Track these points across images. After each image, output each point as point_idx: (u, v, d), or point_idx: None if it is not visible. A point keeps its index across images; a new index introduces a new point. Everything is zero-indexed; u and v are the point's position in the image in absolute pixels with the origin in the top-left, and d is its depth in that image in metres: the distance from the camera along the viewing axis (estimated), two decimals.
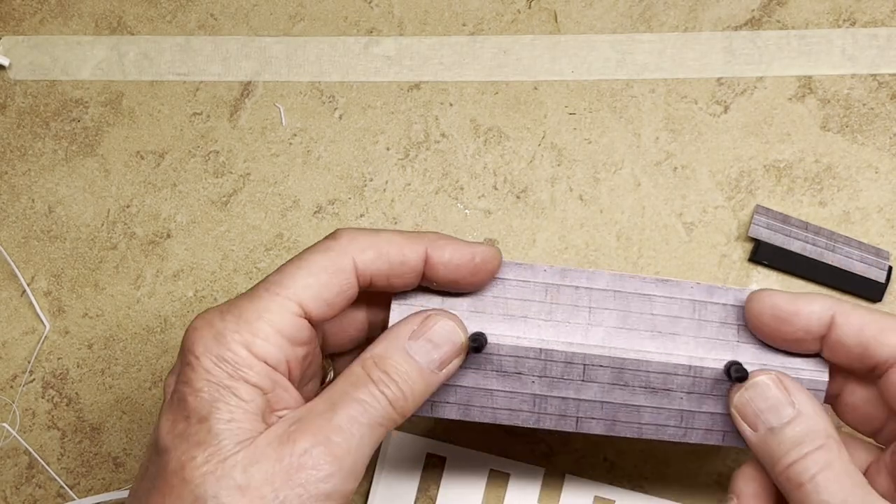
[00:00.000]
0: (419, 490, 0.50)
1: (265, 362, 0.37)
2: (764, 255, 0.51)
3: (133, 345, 0.53)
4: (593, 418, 0.41)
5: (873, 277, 0.51)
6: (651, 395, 0.41)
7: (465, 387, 0.41)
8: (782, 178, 0.53)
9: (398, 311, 0.41)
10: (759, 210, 0.51)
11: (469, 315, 0.41)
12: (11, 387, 0.53)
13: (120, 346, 0.53)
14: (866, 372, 0.41)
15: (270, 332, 0.37)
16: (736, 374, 0.40)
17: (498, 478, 0.50)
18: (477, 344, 0.40)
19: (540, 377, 0.41)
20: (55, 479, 0.52)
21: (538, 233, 0.53)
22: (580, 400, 0.41)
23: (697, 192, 0.53)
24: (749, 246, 0.52)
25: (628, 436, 0.41)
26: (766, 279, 0.52)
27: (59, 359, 0.53)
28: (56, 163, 0.55)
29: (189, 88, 0.56)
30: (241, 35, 0.56)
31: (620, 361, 0.41)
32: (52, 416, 0.52)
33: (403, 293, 0.41)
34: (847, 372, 0.42)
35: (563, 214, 0.53)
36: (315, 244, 0.39)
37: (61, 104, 0.56)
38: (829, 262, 0.51)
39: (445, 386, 0.41)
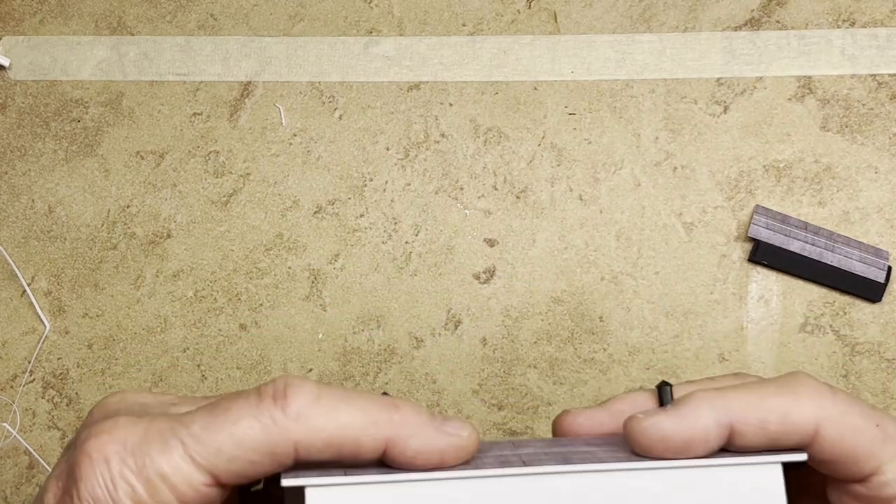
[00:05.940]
0: None
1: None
2: (763, 255, 0.51)
3: (133, 345, 0.53)
4: (543, 459, 0.32)
5: (873, 277, 0.51)
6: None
7: None
8: (782, 178, 0.53)
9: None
10: (759, 210, 0.52)
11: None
12: (11, 387, 0.53)
13: (120, 346, 0.53)
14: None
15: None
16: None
17: None
18: None
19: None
20: None
21: (538, 233, 0.53)
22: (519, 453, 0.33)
23: (697, 192, 0.53)
24: (748, 246, 0.52)
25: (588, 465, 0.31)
26: (765, 279, 0.52)
27: (59, 359, 0.53)
28: (56, 163, 0.55)
29: (189, 88, 0.56)
30: (241, 35, 0.57)
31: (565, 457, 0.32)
32: (52, 416, 0.52)
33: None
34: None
35: (562, 214, 0.53)
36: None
37: (61, 104, 0.56)
38: (829, 262, 0.51)
39: None
